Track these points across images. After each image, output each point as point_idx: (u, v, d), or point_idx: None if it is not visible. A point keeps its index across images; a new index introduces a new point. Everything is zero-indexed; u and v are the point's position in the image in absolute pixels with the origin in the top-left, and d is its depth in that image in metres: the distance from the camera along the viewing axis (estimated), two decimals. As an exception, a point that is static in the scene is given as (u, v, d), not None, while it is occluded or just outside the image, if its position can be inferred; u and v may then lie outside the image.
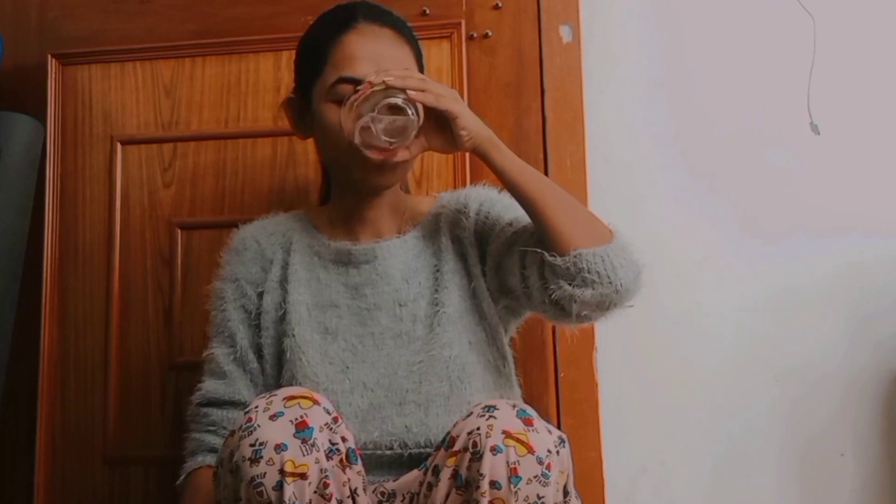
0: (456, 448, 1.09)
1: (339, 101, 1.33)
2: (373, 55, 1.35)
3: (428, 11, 1.81)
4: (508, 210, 1.36)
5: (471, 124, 1.28)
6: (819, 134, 1.76)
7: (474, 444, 1.07)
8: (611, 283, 1.20)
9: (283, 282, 1.42)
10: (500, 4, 1.81)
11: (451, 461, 1.09)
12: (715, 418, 1.71)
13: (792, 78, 1.78)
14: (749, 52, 1.79)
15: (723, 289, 1.74)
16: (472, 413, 1.12)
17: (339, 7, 1.42)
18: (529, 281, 1.28)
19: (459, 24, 1.80)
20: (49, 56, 1.86)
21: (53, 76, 1.86)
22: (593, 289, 1.20)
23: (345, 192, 1.44)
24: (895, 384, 1.68)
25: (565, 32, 1.80)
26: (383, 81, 1.27)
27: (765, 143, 1.77)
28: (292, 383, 1.33)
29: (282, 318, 1.39)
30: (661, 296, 1.74)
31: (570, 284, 1.21)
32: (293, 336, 1.37)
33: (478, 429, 1.08)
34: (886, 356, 1.69)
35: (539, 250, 1.24)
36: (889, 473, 1.68)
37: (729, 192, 1.77)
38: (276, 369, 1.39)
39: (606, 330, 1.72)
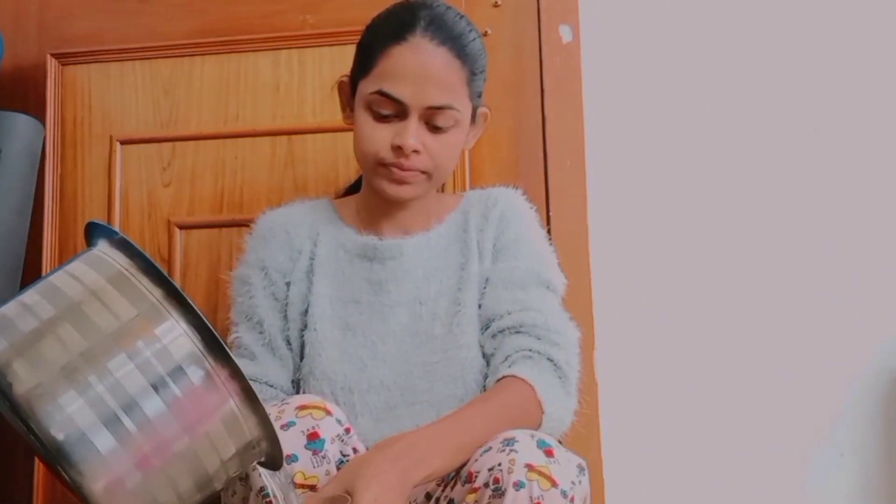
0: (476, 484, 1.07)
1: (373, 112, 1.32)
2: (418, 76, 1.29)
3: (427, 8, 1.80)
4: (509, 251, 1.36)
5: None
6: (819, 134, 1.76)
7: (496, 481, 1.04)
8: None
9: (309, 273, 1.40)
10: (499, 2, 1.80)
11: (471, 497, 1.07)
12: (715, 418, 1.70)
13: (792, 78, 1.78)
14: (749, 52, 1.79)
15: (722, 288, 1.74)
16: (491, 448, 1.09)
17: (406, 6, 1.35)
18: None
19: (458, 21, 1.80)
20: (49, 56, 1.86)
21: (53, 76, 1.85)
22: None
23: (373, 189, 1.41)
24: (895, 384, 1.68)
25: (565, 32, 1.80)
26: None
27: (765, 143, 1.77)
28: (310, 378, 1.33)
29: (305, 311, 1.38)
30: (660, 295, 1.74)
31: None
32: (315, 330, 1.35)
33: (499, 465, 1.05)
34: (886, 356, 1.69)
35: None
36: (889, 473, 1.67)
37: (728, 192, 1.76)
38: (298, 359, 1.37)
39: (606, 330, 1.72)
